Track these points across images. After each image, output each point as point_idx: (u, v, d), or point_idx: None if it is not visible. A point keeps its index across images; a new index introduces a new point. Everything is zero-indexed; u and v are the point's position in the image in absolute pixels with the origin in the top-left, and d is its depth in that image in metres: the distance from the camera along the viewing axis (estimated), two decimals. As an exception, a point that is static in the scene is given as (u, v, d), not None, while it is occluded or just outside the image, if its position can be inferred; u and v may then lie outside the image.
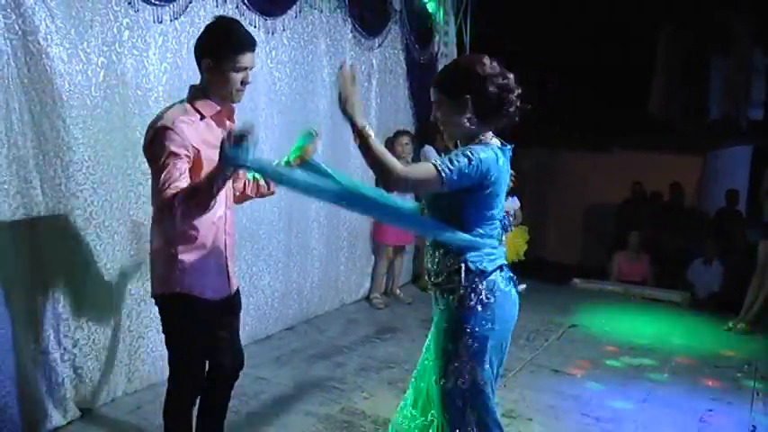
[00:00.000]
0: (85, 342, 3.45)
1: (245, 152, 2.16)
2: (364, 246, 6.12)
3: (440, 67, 6.93)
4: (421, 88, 6.56)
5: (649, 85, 10.10)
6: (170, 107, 2.54)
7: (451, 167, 2.22)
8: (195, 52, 2.54)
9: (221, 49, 2.47)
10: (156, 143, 2.40)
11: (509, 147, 2.44)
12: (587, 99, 9.49)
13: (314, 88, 5.13)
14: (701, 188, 10.63)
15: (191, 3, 3.89)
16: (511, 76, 2.39)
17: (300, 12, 4.83)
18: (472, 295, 2.34)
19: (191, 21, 3.93)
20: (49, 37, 3.07)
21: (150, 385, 3.93)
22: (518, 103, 2.40)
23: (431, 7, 6.65)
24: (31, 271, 3.15)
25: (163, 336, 3.71)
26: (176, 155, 2.38)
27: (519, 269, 6.77)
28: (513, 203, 6.56)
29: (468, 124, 2.38)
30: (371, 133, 2.37)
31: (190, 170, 2.44)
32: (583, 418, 3.87)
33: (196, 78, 3.83)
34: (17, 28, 2.96)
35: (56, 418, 3.32)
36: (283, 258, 5.00)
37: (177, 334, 2.68)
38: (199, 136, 2.47)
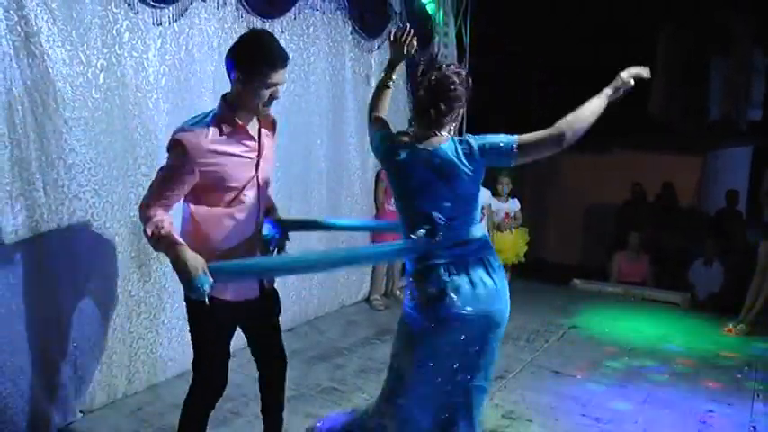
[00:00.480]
0: (86, 344, 3.45)
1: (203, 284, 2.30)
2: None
3: (439, 67, 6.94)
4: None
5: (649, 86, 10.10)
6: (198, 116, 2.55)
7: None
8: (226, 63, 2.50)
9: (253, 64, 2.45)
10: (168, 153, 2.47)
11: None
12: (587, 99, 9.49)
13: (314, 90, 5.13)
14: (701, 188, 10.62)
15: (190, 5, 3.90)
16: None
17: (300, 13, 4.83)
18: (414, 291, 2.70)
19: (190, 23, 3.94)
20: (50, 39, 3.08)
21: (150, 386, 3.94)
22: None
23: (430, 8, 6.66)
24: (33, 272, 3.16)
25: (163, 337, 3.75)
26: (173, 170, 2.44)
27: (519, 270, 6.83)
28: (514, 205, 6.58)
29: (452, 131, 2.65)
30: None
31: (207, 180, 2.47)
32: (583, 419, 3.87)
33: (195, 81, 3.84)
34: (19, 30, 2.97)
35: (56, 420, 3.33)
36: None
37: (198, 335, 2.71)
38: (215, 147, 2.46)
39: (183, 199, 2.53)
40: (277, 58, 2.48)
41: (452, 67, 2.65)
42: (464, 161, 2.47)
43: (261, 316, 2.82)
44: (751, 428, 3.87)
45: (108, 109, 3.43)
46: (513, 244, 6.51)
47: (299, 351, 4.76)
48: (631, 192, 9.93)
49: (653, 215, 9.62)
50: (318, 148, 5.28)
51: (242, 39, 2.54)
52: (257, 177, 2.61)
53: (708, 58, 10.13)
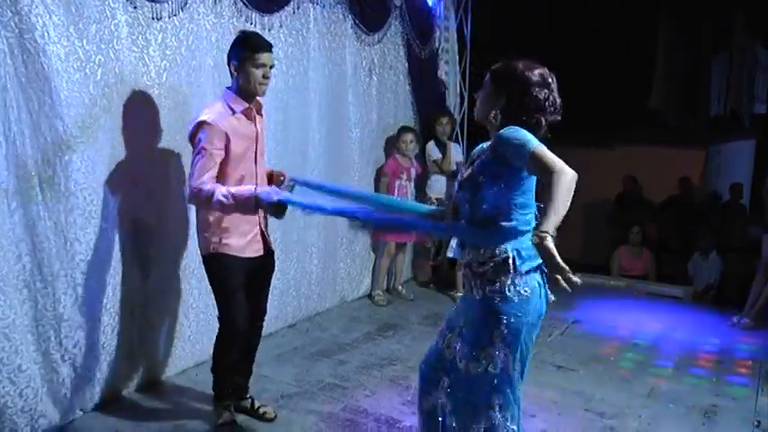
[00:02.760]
0: (85, 342, 3.43)
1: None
2: (363, 242, 6.10)
3: (440, 62, 6.92)
4: (422, 84, 6.54)
5: (650, 80, 10.07)
6: (209, 108, 3.14)
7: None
8: (227, 60, 3.16)
9: (242, 49, 3.09)
10: (196, 136, 3.05)
11: None
12: (588, 93, 9.46)
13: (315, 85, 5.11)
14: (704, 183, 10.59)
15: (191, -1, 3.88)
16: (551, 95, 2.47)
17: (299, 8, 4.80)
18: (512, 287, 2.42)
19: (190, 17, 3.91)
20: (46, 35, 3.04)
21: (153, 383, 3.93)
22: (542, 121, 2.46)
23: (431, 2, 6.62)
24: (32, 271, 3.14)
25: (163, 335, 3.78)
26: (206, 150, 3.00)
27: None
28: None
29: (492, 118, 2.50)
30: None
31: (224, 159, 3.07)
32: (586, 414, 3.86)
33: (197, 76, 3.90)
34: (14, 26, 2.93)
35: (56, 418, 3.32)
36: (282, 255, 4.97)
37: (221, 290, 3.27)
38: (231, 128, 3.07)
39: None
40: (260, 43, 3.13)
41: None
42: None
43: (262, 273, 3.43)
44: (755, 423, 3.85)
45: (106, 105, 3.40)
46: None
47: (301, 347, 4.74)
48: (623, 186, 9.89)
49: (655, 209, 9.60)
50: (317, 143, 5.25)
51: (234, 39, 3.18)
52: (256, 152, 3.23)
53: (709, 53, 10.10)
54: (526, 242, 2.45)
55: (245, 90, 3.14)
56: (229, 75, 3.18)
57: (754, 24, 9.67)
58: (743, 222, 8.71)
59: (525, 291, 2.44)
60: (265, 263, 3.42)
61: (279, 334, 4.94)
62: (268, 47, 3.15)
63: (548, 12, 8.92)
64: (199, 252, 3.33)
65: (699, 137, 10.18)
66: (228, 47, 3.19)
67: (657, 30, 9.91)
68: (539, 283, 2.48)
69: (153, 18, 3.66)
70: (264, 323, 3.59)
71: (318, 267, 5.48)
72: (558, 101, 2.49)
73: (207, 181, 2.99)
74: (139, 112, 3.62)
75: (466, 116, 7.26)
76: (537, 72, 2.46)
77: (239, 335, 3.30)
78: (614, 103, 9.24)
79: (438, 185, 6.30)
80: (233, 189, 2.99)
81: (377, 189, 6.01)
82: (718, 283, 7.93)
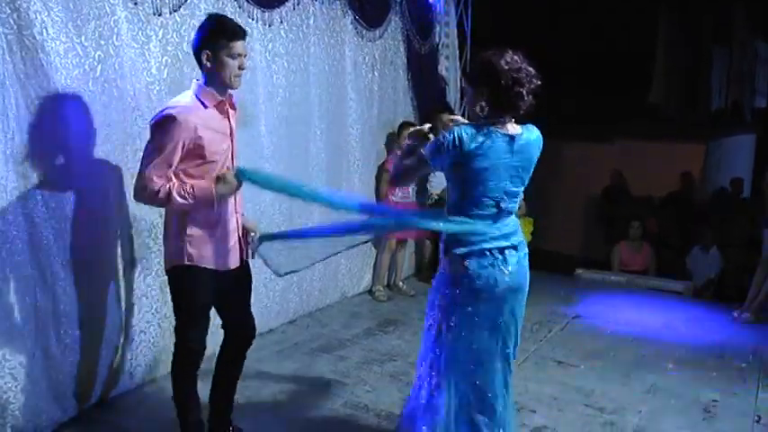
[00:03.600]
0: (86, 338, 3.43)
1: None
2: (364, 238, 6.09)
3: (441, 58, 6.91)
4: (422, 79, 6.53)
5: (650, 75, 10.05)
6: (178, 98, 2.83)
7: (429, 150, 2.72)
8: (194, 49, 2.80)
9: (217, 38, 2.74)
10: (158, 129, 2.71)
11: (518, 134, 2.70)
12: (588, 88, 9.46)
13: (314, 80, 5.10)
14: (704, 177, 10.58)
15: (191, -6, 3.87)
16: (527, 69, 2.63)
17: (299, 3, 4.80)
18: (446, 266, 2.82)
19: (191, 12, 3.90)
20: (44, 31, 3.03)
21: (152, 380, 3.93)
22: (529, 96, 2.64)
23: (431, -2, 6.61)
24: (30, 267, 3.13)
25: (165, 331, 3.73)
26: (165, 147, 2.68)
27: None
28: (518, 195, 6.52)
29: (479, 111, 2.68)
30: None
31: (190, 153, 2.74)
32: (586, 410, 3.86)
33: (199, 72, 3.84)
34: (12, 22, 2.92)
35: (57, 415, 3.31)
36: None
37: (183, 302, 2.97)
38: (203, 123, 2.74)
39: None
40: (236, 29, 2.79)
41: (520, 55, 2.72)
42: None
43: (239, 286, 3.09)
44: (756, 418, 3.86)
45: (106, 101, 3.39)
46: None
47: (301, 343, 4.75)
48: (610, 179, 9.89)
49: (656, 204, 9.60)
50: (318, 139, 5.25)
51: (202, 24, 2.84)
52: (231, 148, 2.91)
53: (710, 47, 10.07)
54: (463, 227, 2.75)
55: (219, 83, 2.79)
56: (198, 65, 2.82)
57: (754, 18, 9.65)
58: (743, 217, 8.70)
59: (457, 270, 2.76)
60: (242, 274, 3.08)
61: (279, 330, 4.95)
62: (243, 34, 2.80)
63: (548, 6, 8.90)
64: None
65: (699, 131, 10.17)
66: None
67: (658, 24, 9.88)
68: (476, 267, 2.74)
69: (154, 14, 3.65)
70: (265, 320, 3.54)
71: (319, 263, 5.46)
72: (532, 70, 2.64)
73: (155, 177, 2.68)
74: (139, 108, 3.61)
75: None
76: (502, 54, 2.64)
77: (199, 353, 3.01)
78: (614, 97, 9.23)
79: (439, 181, 6.29)
80: (189, 188, 2.72)
81: (378, 184, 6.01)
82: (718, 278, 7.94)
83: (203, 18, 3.94)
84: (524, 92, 2.61)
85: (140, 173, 2.72)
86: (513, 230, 2.86)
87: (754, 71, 10.27)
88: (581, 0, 8.84)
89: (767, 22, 9.55)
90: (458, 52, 7.14)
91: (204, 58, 2.75)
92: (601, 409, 3.86)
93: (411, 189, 5.98)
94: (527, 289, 2.96)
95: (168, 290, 3.92)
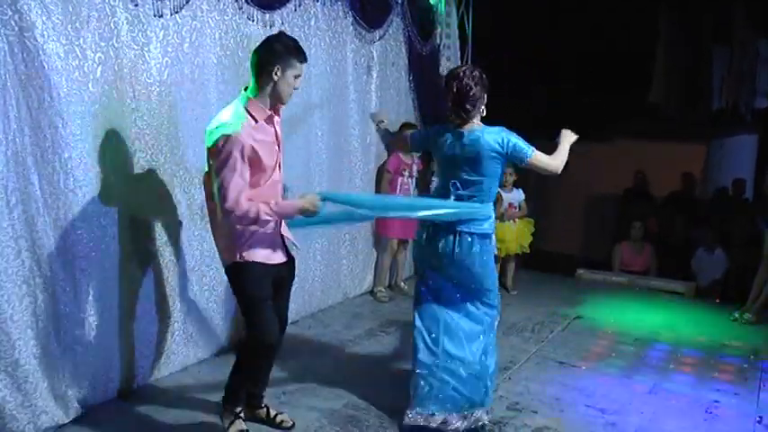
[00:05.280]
0: (86, 338, 3.43)
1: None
2: (365, 238, 6.10)
3: (442, 59, 6.90)
4: (423, 80, 6.53)
5: (650, 74, 10.03)
6: (229, 112, 2.93)
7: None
8: (261, 62, 2.92)
9: (290, 57, 2.92)
10: (223, 151, 2.84)
11: (462, 129, 3.44)
12: (588, 87, 9.44)
13: (315, 81, 5.10)
14: (706, 177, 10.56)
15: (191, -5, 3.87)
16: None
17: (300, 5, 4.79)
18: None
19: (192, 14, 3.91)
20: (45, 33, 3.04)
21: (154, 380, 3.94)
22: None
23: (432, -1, 6.62)
24: (30, 268, 3.14)
25: (166, 331, 3.74)
26: (237, 168, 2.85)
27: (524, 261, 6.80)
28: (518, 195, 6.52)
29: (480, 113, 3.53)
30: None
31: (251, 167, 2.91)
32: (588, 411, 3.86)
33: (200, 73, 3.85)
34: (13, 24, 2.93)
35: (58, 416, 3.31)
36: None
37: (249, 297, 3.13)
38: (255, 137, 2.91)
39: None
40: (304, 53, 2.98)
41: (467, 72, 3.41)
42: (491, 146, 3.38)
43: (284, 279, 3.32)
44: (757, 418, 3.85)
45: (105, 103, 3.40)
46: (517, 234, 6.45)
47: (303, 343, 4.75)
48: (633, 180, 9.86)
49: (657, 204, 9.57)
50: (319, 140, 5.25)
51: (276, 38, 2.97)
52: (279, 158, 3.10)
53: (711, 46, 10.05)
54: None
55: (275, 98, 2.98)
56: (256, 78, 2.95)
57: (754, 17, 9.63)
58: (745, 217, 8.68)
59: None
60: (287, 270, 3.32)
61: (281, 331, 4.94)
62: (306, 58, 3.03)
63: (548, 6, 8.88)
64: (197, 250, 3.33)
65: (700, 131, 10.15)
66: (232, 43, 3.17)
67: (658, 23, 9.87)
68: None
69: (154, 15, 3.66)
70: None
71: (321, 264, 5.49)
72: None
73: (244, 201, 2.86)
74: (138, 110, 3.62)
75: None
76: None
77: (270, 346, 3.18)
78: (614, 96, 9.21)
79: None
80: (274, 206, 2.94)
81: (379, 185, 6.01)
82: (723, 279, 7.91)
83: (204, 19, 3.98)
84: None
85: (227, 198, 2.84)
86: None
87: (755, 71, 10.24)
88: (581, 0, 8.82)
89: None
90: (459, 53, 7.14)
91: (273, 72, 2.90)
92: (602, 410, 3.86)
93: (412, 189, 5.98)
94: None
95: (168, 289, 3.97)
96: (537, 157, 3.42)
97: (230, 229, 3.02)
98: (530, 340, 5.01)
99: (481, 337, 3.58)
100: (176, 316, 4.03)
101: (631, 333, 5.34)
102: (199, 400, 3.75)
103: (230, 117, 2.90)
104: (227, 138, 2.82)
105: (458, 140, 3.41)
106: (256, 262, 3.07)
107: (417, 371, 3.56)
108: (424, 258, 3.64)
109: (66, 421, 3.36)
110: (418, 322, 3.64)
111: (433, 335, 3.58)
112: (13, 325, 3.05)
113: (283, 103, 3.03)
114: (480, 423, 3.48)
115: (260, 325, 3.11)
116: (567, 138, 3.65)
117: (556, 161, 3.51)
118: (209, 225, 3.22)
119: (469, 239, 3.45)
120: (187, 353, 4.16)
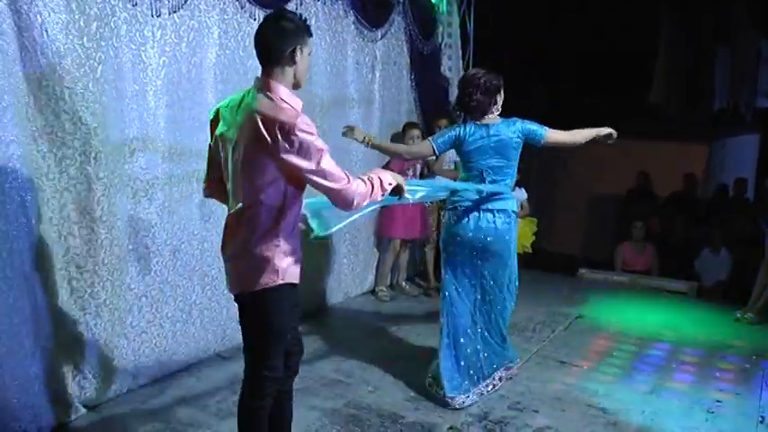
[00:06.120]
0: (87, 338, 3.43)
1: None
2: (366, 238, 6.10)
3: (443, 58, 6.90)
4: (424, 79, 6.52)
5: (651, 74, 10.02)
6: (269, 101, 2.48)
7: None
8: (280, 45, 2.48)
9: (304, 34, 2.55)
10: (307, 135, 2.47)
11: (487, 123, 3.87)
12: (588, 88, 9.44)
13: (316, 80, 5.09)
14: (708, 177, 10.55)
15: (190, -5, 3.86)
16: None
17: (301, 4, 4.78)
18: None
19: (191, 14, 3.90)
20: (44, 33, 3.04)
21: (155, 381, 3.93)
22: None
23: (434, -2, 6.61)
24: (28, 267, 3.13)
25: (167, 331, 3.68)
26: (324, 147, 2.54)
27: (525, 260, 6.79)
28: (521, 194, 6.50)
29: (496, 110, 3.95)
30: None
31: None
32: (589, 410, 3.85)
33: (197, 72, 3.79)
34: (13, 24, 2.93)
35: (59, 415, 3.31)
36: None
37: (280, 324, 2.61)
38: None
39: (269, 180, 2.53)
40: (310, 27, 2.61)
41: (482, 77, 3.84)
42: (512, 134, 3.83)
43: (299, 300, 2.77)
44: (760, 418, 3.84)
45: (105, 102, 3.39)
46: (520, 233, 6.43)
47: (304, 344, 4.71)
48: (636, 181, 9.86)
49: (658, 204, 9.57)
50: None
51: (284, 16, 2.54)
52: None
53: (712, 46, 10.04)
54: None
55: (295, 82, 2.59)
56: (275, 63, 2.50)
57: (755, 17, 9.62)
58: (747, 217, 8.67)
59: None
60: (299, 291, 2.76)
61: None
62: None
63: (548, 6, 8.88)
64: (197, 250, 3.21)
65: (701, 131, 10.14)
66: (233, 42, 3.10)
67: (659, 23, 9.86)
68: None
69: (152, 15, 3.65)
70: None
71: (323, 264, 5.48)
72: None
73: (347, 176, 2.58)
74: (137, 109, 3.61)
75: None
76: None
77: (276, 380, 2.66)
78: (615, 97, 9.21)
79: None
80: (374, 176, 2.66)
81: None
82: (728, 280, 7.90)
83: (203, 18, 3.95)
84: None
85: (336, 176, 2.57)
86: None
87: (756, 71, 10.22)
88: (581, 0, 8.81)
89: (768, 20, 9.52)
90: (460, 52, 7.13)
91: (296, 53, 2.51)
92: (603, 410, 3.85)
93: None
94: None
95: (168, 288, 3.93)
96: (551, 135, 3.84)
97: (256, 242, 2.50)
98: (531, 340, 5.00)
99: (507, 304, 4.07)
100: (177, 315, 4.03)
101: (633, 333, 5.33)
102: (203, 399, 3.76)
103: (276, 103, 2.49)
104: (306, 124, 2.49)
105: (485, 133, 3.82)
106: (292, 283, 2.57)
107: (455, 352, 3.90)
108: (453, 238, 3.94)
109: (68, 421, 3.37)
110: (448, 296, 3.96)
111: (465, 314, 3.94)
112: (12, 323, 3.04)
113: (299, 87, 2.64)
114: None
115: (270, 358, 2.62)
116: (602, 129, 4.01)
117: (574, 137, 3.93)
118: (208, 225, 3.18)
119: (494, 216, 3.87)
120: (188, 353, 4.15)
